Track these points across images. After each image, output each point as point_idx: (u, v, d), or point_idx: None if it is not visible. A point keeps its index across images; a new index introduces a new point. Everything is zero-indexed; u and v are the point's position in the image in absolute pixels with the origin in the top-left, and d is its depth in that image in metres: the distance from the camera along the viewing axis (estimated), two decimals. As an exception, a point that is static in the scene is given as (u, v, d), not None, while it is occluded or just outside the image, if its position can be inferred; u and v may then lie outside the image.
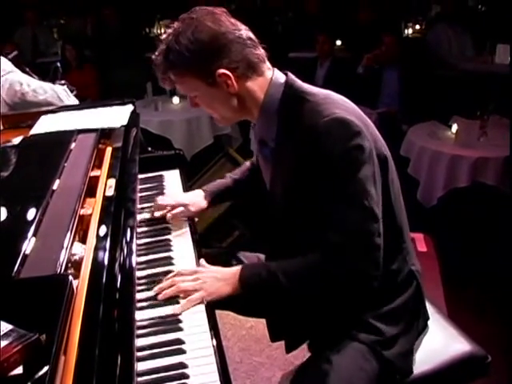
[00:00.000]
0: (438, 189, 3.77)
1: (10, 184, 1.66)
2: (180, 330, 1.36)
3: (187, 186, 2.26)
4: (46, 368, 0.89)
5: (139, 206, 1.96)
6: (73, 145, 1.92)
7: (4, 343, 0.91)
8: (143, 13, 8.31)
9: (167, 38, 1.51)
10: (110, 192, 1.66)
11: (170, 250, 1.72)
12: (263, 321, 1.84)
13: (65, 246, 1.28)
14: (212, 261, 1.63)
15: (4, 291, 1.10)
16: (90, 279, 1.24)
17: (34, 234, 1.31)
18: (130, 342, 1.17)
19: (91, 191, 1.69)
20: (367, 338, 1.53)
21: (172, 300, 1.46)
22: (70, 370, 0.97)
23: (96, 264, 1.30)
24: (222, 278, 1.52)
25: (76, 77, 5.23)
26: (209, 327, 1.37)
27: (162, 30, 7.93)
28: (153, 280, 1.54)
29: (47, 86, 2.75)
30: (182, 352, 1.29)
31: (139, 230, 1.82)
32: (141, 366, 1.22)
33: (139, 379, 1.17)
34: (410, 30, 7.52)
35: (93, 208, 1.59)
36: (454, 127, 3.94)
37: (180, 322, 1.38)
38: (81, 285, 1.22)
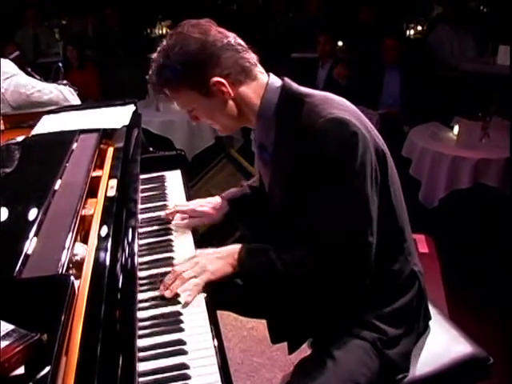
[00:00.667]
0: (440, 190, 3.77)
1: (11, 184, 1.66)
2: (181, 330, 1.35)
3: (188, 187, 2.26)
4: (47, 368, 0.89)
5: (141, 207, 1.96)
6: (74, 145, 1.92)
7: (6, 343, 0.91)
8: (145, 13, 8.31)
9: (158, 57, 1.52)
10: (112, 192, 1.66)
11: (171, 251, 1.72)
12: (264, 322, 1.84)
13: (66, 246, 1.28)
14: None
15: (6, 291, 1.10)
16: (92, 279, 1.23)
17: (36, 234, 1.31)
18: (131, 343, 1.17)
19: (93, 191, 1.69)
20: (370, 336, 1.54)
21: (174, 296, 1.45)
22: (71, 370, 0.97)
23: (98, 264, 1.30)
24: (221, 256, 1.53)
25: (77, 77, 5.22)
26: (210, 328, 1.37)
27: (164, 31, 7.95)
28: (154, 280, 1.53)
29: (52, 86, 2.75)
30: (184, 353, 1.28)
31: (140, 230, 1.82)
32: (142, 367, 1.22)
33: (141, 379, 1.17)
34: (412, 31, 7.52)
35: (94, 208, 1.59)
36: (456, 128, 3.94)
37: (181, 322, 1.38)
38: (82, 285, 1.22)
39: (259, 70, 1.57)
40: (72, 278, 1.12)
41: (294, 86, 1.57)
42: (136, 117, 2.30)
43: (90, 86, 5.73)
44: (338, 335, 1.56)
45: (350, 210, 1.42)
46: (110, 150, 2.00)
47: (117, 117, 2.24)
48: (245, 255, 1.53)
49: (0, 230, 1.38)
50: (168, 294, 1.45)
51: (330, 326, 1.60)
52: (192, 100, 1.55)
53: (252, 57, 1.55)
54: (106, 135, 2.08)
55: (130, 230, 1.52)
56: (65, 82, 2.91)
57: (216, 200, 1.94)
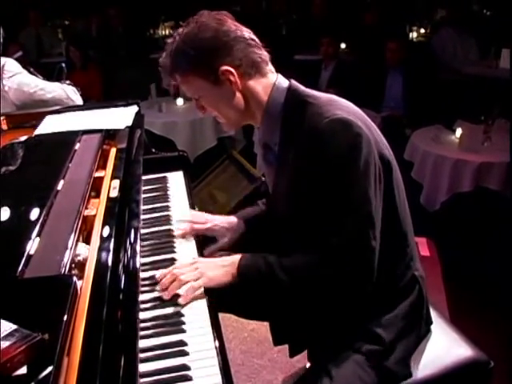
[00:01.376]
0: (442, 193, 3.77)
1: (14, 184, 1.66)
2: (183, 331, 1.35)
3: (191, 188, 2.26)
4: (49, 368, 0.89)
5: (142, 208, 1.96)
6: (77, 145, 1.92)
7: (8, 343, 0.91)
8: (148, 14, 8.32)
9: (173, 40, 1.54)
10: (115, 193, 1.66)
11: (173, 252, 1.72)
12: (265, 323, 1.84)
13: (69, 246, 1.28)
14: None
15: (8, 291, 1.10)
16: (94, 280, 1.23)
17: (38, 234, 1.31)
18: (133, 343, 1.17)
19: (95, 192, 1.69)
20: (367, 349, 1.53)
21: (174, 298, 1.45)
22: (73, 370, 0.97)
23: (100, 265, 1.30)
24: (221, 265, 1.53)
25: (80, 77, 5.23)
26: (211, 329, 1.37)
27: (166, 32, 7.97)
28: (156, 282, 1.54)
29: (55, 84, 2.76)
30: (185, 354, 1.28)
31: (142, 231, 1.81)
32: (144, 368, 1.21)
33: (142, 380, 1.17)
34: (415, 34, 7.53)
35: (97, 209, 1.59)
36: (458, 132, 3.94)
37: (183, 323, 1.38)
38: (85, 285, 1.22)
39: (270, 69, 1.58)
40: (74, 278, 1.13)
41: (301, 87, 1.58)
42: (139, 118, 2.30)
43: (92, 87, 5.74)
44: (336, 348, 1.55)
45: (352, 212, 1.41)
46: (113, 151, 2.01)
47: (120, 117, 2.25)
48: (244, 263, 1.52)
49: (3, 229, 1.38)
50: (166, 295, 1.45)
51: (328, 329, 1.60)
52: (200, 87, 1.55)
53: (264, 54, 1.56)
54: (109, 136, 2.08)
55: (133, 231, 1.52)
56: (68, 81, 2.92)
57: (232, 219, 1.90)
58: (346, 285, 1.45)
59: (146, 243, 1.76)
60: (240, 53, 1.50)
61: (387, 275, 1.53)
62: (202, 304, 1.46)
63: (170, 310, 1.43)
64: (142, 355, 1.23)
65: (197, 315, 1.42)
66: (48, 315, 1.03)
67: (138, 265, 1.43)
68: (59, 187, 1.58)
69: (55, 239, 1.33)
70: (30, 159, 1.88)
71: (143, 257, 1.65)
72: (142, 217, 1.87)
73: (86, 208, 1.56)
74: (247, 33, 1.54)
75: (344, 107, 1.50)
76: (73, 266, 1.28)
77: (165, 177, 2.32)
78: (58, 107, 2.53)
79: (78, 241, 1.36)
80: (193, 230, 1.83)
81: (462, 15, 6.21)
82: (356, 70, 5.21)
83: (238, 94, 1.54)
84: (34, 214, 1.41)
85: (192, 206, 2.05)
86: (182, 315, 1.41)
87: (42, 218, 1.38)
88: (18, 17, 7.52)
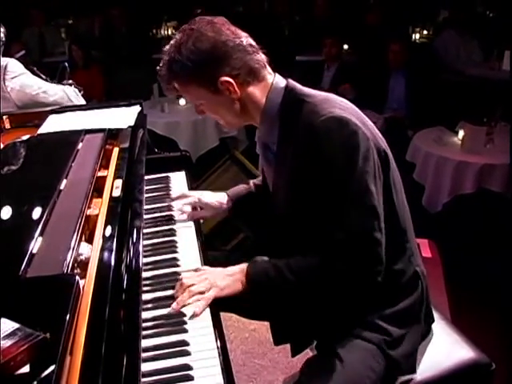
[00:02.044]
0: (444, 195, 3.77)
1: (17, 183, 1.66)
2: (185, 331, 1.36)
3: (193, 188, 2.27)
4: (52, 367, 0.89)
5: (145, 207, 1.96)
6: (80, 145, 1.92)
7: (11, 342, 0.92)
8: (150, 14, 8.32)
9: (170, 50, 1.54)
10: (117, 193, 1.66)
11: (175, 252, 1.73)
12: (266, 323, 1.84)
13: (71, 245, 1.28)
14: (217, 264, 1.62)
15: (11, 290, 1.10)
16: (97, 279, 1.24)
17: (41, 234, 1.31)
18: (135, 343, 1.17)
19: (98, 191, 1.69)
20: (375, 338, 1.54)
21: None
22: (75, 369, 0.97)
23: (102, 264, 1.30)
24: (230, 274, 1.51)
25: (82, 77, 5.23)
26: (213, 329, 1.37)
27: (169, 32, 7.96)
28: (158, 281, 1.54)
29: (58, 87, 2.76)
30: (187, 354, 1.29)
31: (144, 231, 1.82)
32: (145, 367, 1.22)
33: (144, 380, 1.17)
34: (418, 35, 7.52)
35: (99, 208, 1.59)
36: (461, 133, 3.94)
37: (185, 323, 1.38)
38: (87, 285, 1.22)
39: (267, 72, 1.59)
40: (77, 277, 1.13)
41: (298, 86, 1.59)
42: (141, 117, 2.31)
43: (94, 86, 5.74)
44: (343, 336, 1.56)
45: (355, 206, 1.42)
46: (116, 151, 2.01)
47: (122, 117, 2.25)
48: (252, 270, 1.51)
49: (5, 228, 1.38)
50: (175, 306, 1.43)
51: (334, 328, 1.60)
52: (200, 95, 1.57)
53: (262, 58, 1.57)
54: (112, 135, 2.08)
55: (135, 231, 1.52)
56: (70, 81, 2.92)
57: (221, 195, 1.98)
58: (356, 278, 1.44)
59: (147, 243, 1.76)
60: (239, 61, 1.51)
61: (388, 270, 1.53)
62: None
63: (171, 310, 1.43)
64: (143, 355, 1.23)
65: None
66: (50, 314, 1.03)
67: (140, 264, 1.43)
68: (62, 187, 1.58)
69: (58, 239, 1.33)
70: (33, 158, 1.88)
71: (145, 256, 1.65)
72: (144, 216, 1.87)
73: (89, 207, 1.56)
74: (245, 38, 1.54)
75: (339, 105, 1.51)
76: (75, 265, 1.28)
77: (167, 177, 2.33)
78: (59, 106, 2.54)
79: (80, 240, 1.36)
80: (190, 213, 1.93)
81: (465, 17, 6.20)
82: (359, 71, 5.21)
83: (237, 101, 1.56)
84: (37, 213, 1.41)
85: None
86: (184, 315, 1.41)
87: (44, 218, 1.38)
88: (20, 16, 7.53)
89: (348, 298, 1.53)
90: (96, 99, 5.34)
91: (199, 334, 1.36)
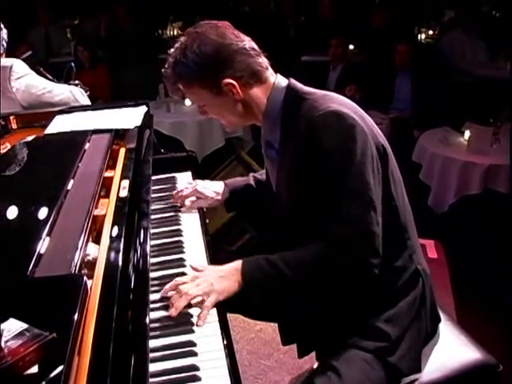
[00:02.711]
0: (450, 195, 3.76)
1: (24, 183, 1.67)
2: (192, 332, 1.36)
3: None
4: (60, 367, 0.89)
5: (151, 208, 1.97)
6: (87, 145, 1.93)
7: (19, 342, 0.92)
8: (156, 14, 8.33)
9: (174, 52, 1.59)
10: (124, 193, 1.67)
11: (182, 252, 1.73)
12: (272, 324, 1.84)
13: (79, 246, 1.28)
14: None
15: (19, 290, 1.11)
16: (104, 279, 1.24)
17: (49, 234, 1.32)
18: (143, 343, 1.18)
19: (105, 192, 1.70)
20: (373, 346, 1.53)
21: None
22: (83, 369, 0.97)
23: (110, 264, 1.30)
24: (225, 275, 1.49)
25: (88, 77, 5.23)
26: (220, 330, 1.38)
27: (175, 32, 7.97)
28: (165, 282, 1.54)
29: (63, 87, 2.76)
30: (194, 354, 1.29)
31: (151, 231, 1.82)
32: (153, 367, 1.22)
33: (151, 380, 1.17)
34: (423, 35, 7.51)
35: (106, 209, 1.59)
36: (467, 133, 3.93)
37: (192, 324, 1.38)
38: (95, 285, 1.22)
39: (270, 73, 1.63)
40: (84, 277, 1.13)
41: (299, 85, 1.63)
42: (148, 118, 2.31)
43: (100, 87, 5.75)
44: (342, 346, 1.55)
45: (353, 199, 1.42)
46: (122, 151, 2.01)
47: (129, 117, 2.25)
48: (247, 269, 1.50)
49: (13, 229, 1.39)
50: (173, 312, 1.40)
51: (335, 328, 1.60)
52: (203, 97, 1.62)
53: (264, 61, 1.61)
54: (118, 136, 2.09)
55: (142, 231, 1.53)
56: (77, 82, 2.93)
57: (220, 185, 2.04)
58: (352, 270, 1.43)
59: (154, 243, 1.76)
60: (242, 64, 1.56)
61: (389, 267, 1.53)
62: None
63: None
64: (151, 355, 1.23)
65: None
66: (58, 314, 1.03)
67: (148, 265, 1.44)
68: (69, 187, 1.59)
69: (65, 239, 1.33)
70: (40, 159, 1.89)
71: (152, 257, 1.65)
72: (151, 217, 1.88)
73: (96, 208, 1.56)
74: (247, 42, 1.58)
75: (337, 101, 1.54)
76: (83, 265, 1.28)
77: (173, 177, 2.33)
78: (66, 107, 2.54)
79: (88, 240, 1.37)
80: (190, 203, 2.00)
81: (471, 17, 6.19)
82: (364, 72, 5.20)
83: (240, 102, 1.60)
84: (44, 213, 1.42)
85: (200, 207, 2.06)
86: (191, 316, 1.41)
87: (52, 218, 1.38)
88: (26, 16, 7.55)
89: (348, 297, 1.53)
90: (102, 99, 5.35)
91: (206, 334, 1.36)
